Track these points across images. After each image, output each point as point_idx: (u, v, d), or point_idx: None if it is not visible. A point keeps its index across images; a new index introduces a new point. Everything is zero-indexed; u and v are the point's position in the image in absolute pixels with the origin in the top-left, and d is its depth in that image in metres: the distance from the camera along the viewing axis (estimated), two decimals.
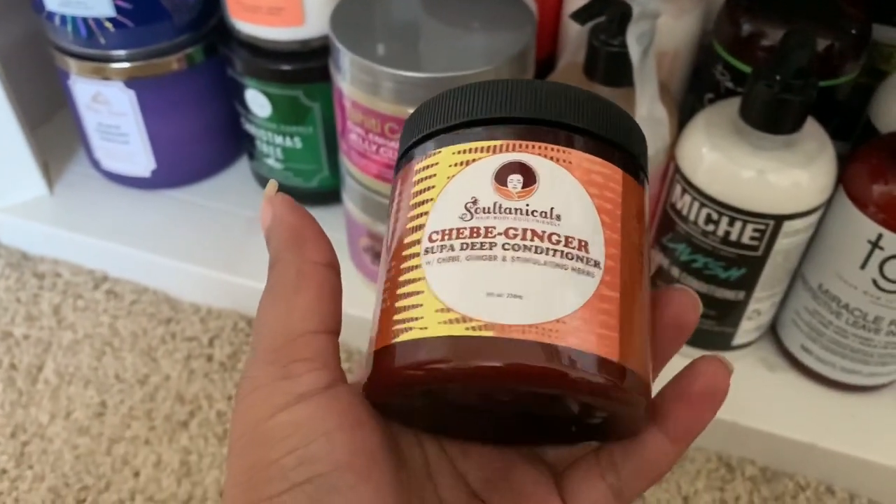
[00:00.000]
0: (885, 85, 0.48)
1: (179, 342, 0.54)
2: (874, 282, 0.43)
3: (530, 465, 0.26)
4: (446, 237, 0.22)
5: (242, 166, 0.62)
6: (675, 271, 0.47)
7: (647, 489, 0.25)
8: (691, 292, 0.24)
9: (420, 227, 0.23)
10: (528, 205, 0.22)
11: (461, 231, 0.22)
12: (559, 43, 0.53)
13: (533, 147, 0.22)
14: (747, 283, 0.45)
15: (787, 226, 0.42)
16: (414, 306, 0.22)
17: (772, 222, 0.42)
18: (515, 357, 0.21)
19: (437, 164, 0.23)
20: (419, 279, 0.22)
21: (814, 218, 0.43)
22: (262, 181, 0.59)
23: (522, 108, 0.23)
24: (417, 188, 0.23)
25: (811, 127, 0.42)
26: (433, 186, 0.23)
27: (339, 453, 0.21)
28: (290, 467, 0.21)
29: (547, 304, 0.21)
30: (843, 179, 0.43)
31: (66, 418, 0.50)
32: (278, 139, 0.54)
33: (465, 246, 0.22)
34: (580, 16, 0.42)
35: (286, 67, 0.50)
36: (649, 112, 0.43)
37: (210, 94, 0.57)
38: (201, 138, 0.59)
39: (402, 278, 0.22)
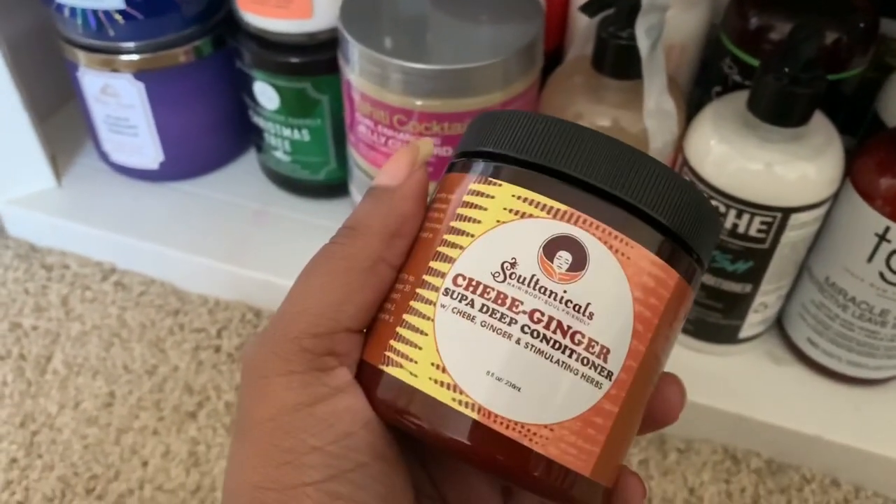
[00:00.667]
0: (892, 79, 0.48)
1: (187, 333, 0.54)
2: (881, 275, 0.43)
3: (484, 475, 0.26)
4: (470, 289, 0.21)
5: (250, 159, 0.62)
6: None
7: None
8: (681, 387, 0.24)
9: (450, 259, 0.21)
10: (565, 291, 0.20)
11: (487, 290, 0.20)
12: (567, 35, 0.53)
13: (596, 227, 0.20)
14: (754, 276, 0.45)
15: (795, 218, 0.42)
16: (413, 344, 0.21)
17: (779, 215, 0.42)
18: (489, 447, 0.20)
19: (492, 197, 0.21)
20: (428, 318, 0.21)
21: (821, 211, 0.43)
22: (270, 174, 0.60)
23: (602, 173, 0.21)
24: (463, 212, 0.22)
25: (819, 120, 0.42)
26: (479, 221, 0.21)
27: (379, 444, 0.21)
28: (335, 455, 0.21)
29: (542, 405, 0.20)
30: (851, 172, 0.43)
31: (74, 408, 0.50)
32: (286, 131, 0.55)
33: (485, 309, 0.20)
34: (589, 8, 0.42)
35: (294, 60, 0.51)
36: (657, 104, 0.43)
37: (218, 86, 0.57)
38: (209, 131, 0.59)
39: (412, 303, 0.21)
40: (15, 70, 0.54)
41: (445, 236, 0.22)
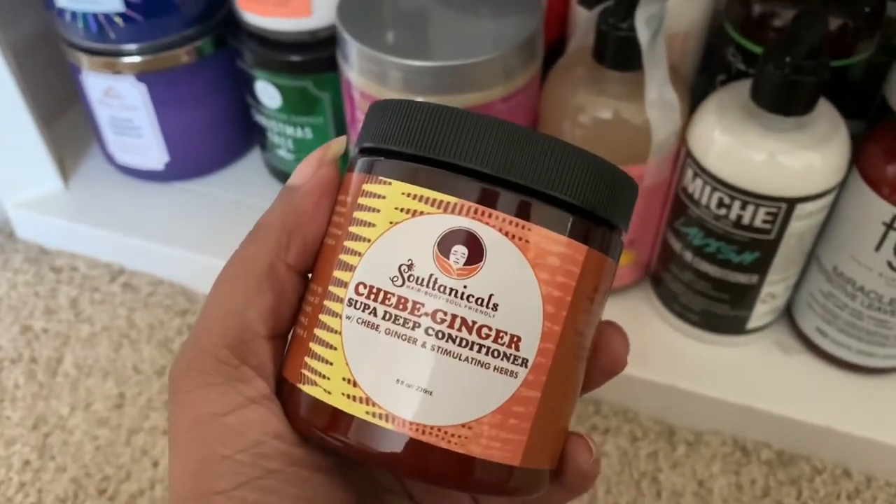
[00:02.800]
0: None
1: None
2: (889, 264, 0.42)
3: None
4: (372, 297, 0.20)
5: (255, 157, 0.62)
6: (688, 256, 0.46)
7: None
8: (623, 336, 0.24)
9: (350, 267, 0.21)
10: (465, 286, 0.20)
11: (388, 297, 0.20)
12: (568, 27, 0.52)
13: (489, 216, 0.20)
14: (761, 267, 0.45)
15: (800, 208, 0.42)
16: (325, 360, 0.21)
17: (784, 205, 0.41)
18: (411, 455, 0.20)
19: (384, 197, 0.21)
20: (336, 332, 0.20)
21: (827, 200, 0.43)
22: (275, 172, 0.60)
23: (491, 159, 0.20)
24: (358, 215, 0.21)
25: (824, 108, 0.42)
26: (374, 225, 0.21)
27: (291, 451, 0.21)
28: (245, 463, 0.21)
29: (457, 406, 0.20)
30: (857, 160, 0.43)
31: (85, 410, 0.51)
32: (289, 130, 0.54)
33: (387, 316, 0.20)
34: (588, 1, 0.42)
35: (295, 58, 0.50)
36: (660, 96, 0.43)
37: (220, 85, 0.57)
38: (213, 130, 0.59)
39: (322, 317, 0.21)
40: (20, 74, 0.54)
41: (345, 243, 0.21)
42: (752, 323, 0.49)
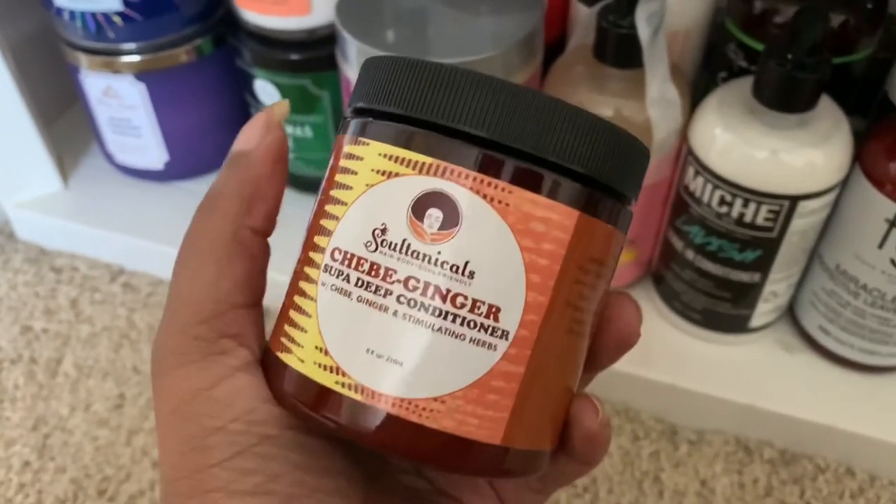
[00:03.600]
0: None
1: None
2: (892, 261, 0.42)
3: None
4: (346, 262, 0.19)
5: None
6: (690, 254, 0.46)
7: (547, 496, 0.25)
8: (635, 305, 0.22)
9: (328, 232, 0.20)
10: (439, 252, 0.18)
11: (361, 262, 0.19)
12: (568, 25, 0.52)
13: (466, 177, 0.18)
14: (763, 265, 0.44)
15: (803, 206, 0.41)
16: (300, 328, 0.20)
17: (786, 203, 0.41)
18: (380, 429, 0.19)
19: (362, 159, 0.20)
20: (312, 299, 0.20)
21: (829, 198, 0.42)
22: None
23: (467, 115, 0.19)
24: (339, 178, 0.20)
25: (826, 105, 0.42)
26: (351, 188, 0.20)
27: (286, 416, 0.21)
28: (238, 432, 0.20)
29: (428, 378, 0.19)
30: (860, 157, 0.42)
31: (85, 410, 0.50)
32: (288, 129, 0.54)
33: (360, 283, 0.19)
34: None
35: (294, 57, 0.50)
36: (660, 93, 0.42)
37: (220, 85, 0.57)
38: (213, 129, 0.59)
39: (300, 284, 0.20)
40: (19, 74, 0.54)
41: (326, 207, 0.20)
42: (755, 321, 0.48)
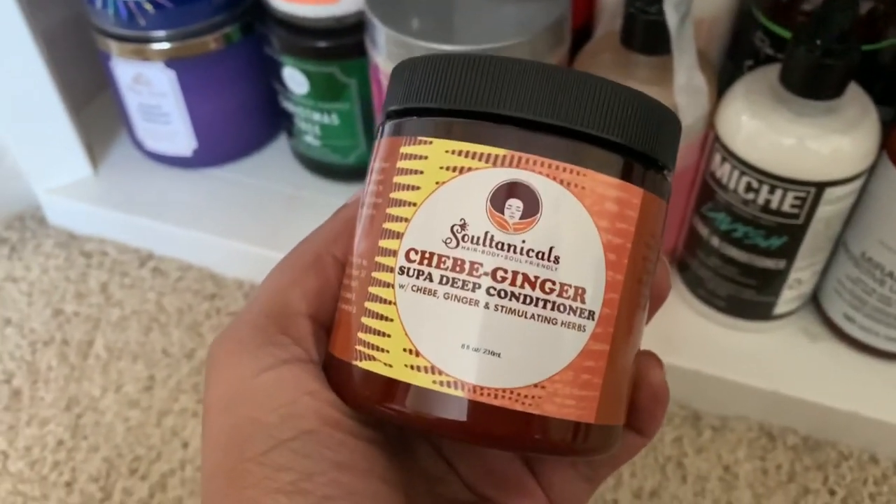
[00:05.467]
0: None
1: (224, 317, 0.55)
2: None
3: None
4: (425, 262, 0.19)
5: (282, 143, 0.63)
6: (715, 241, 0.46)
7: (614, 471, 0.25)
8: (664, 261, 0.23)
9: (398, 234, 0.20)
10: (524, 241, 0.19)
11: (442, 260, 0.19)
12: (595, 11, 0.52)
13: (542, 165, 0.19)
14: (788, 252, 0.45)
15: (829, 193, 0.41)
16: (380, 333, 0.20)
17: (813, 190, 0.41)
18: (483, 421, 0.19)
19: (426, 157, 0.20)
20: (390, 302, 0.20)
21: (856, 185, 0.42)
22: (302, 158, 0.60)
23: (536, 105, 0.19)
24: (400, 180, 0.20)
25: (853, 92, 0.42)
26: (418, 188, 0.20)
27: (327, 411, 0.20)
28: (275, 425, 0.20)
29: (527, 365, 0.19)
30: (887, 145, 0.42)
31: (116, 392, 0.51)
32: (316, 116, 0.55)
33: (444, 280, 0.19)
34: None
35: (322, 44, 0.51)
36: (688, 80, 0.42)
37: (248, 72, 0.57)
38: (241, 116, 0.60)
39: (371, 290, 0.20)
40: (51, 61, 0.55)
41: (388, 210, 0.20)
42: (779, 309, 0.48)
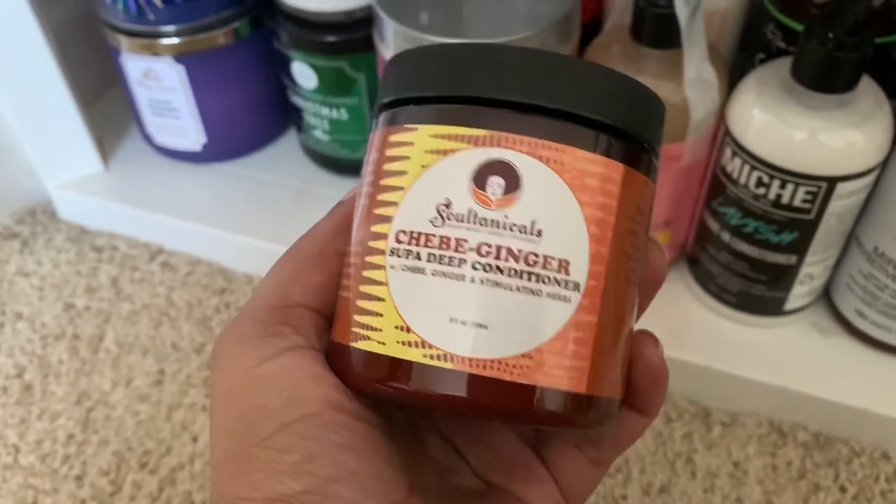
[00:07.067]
0: None
1: (233, 312, 0.55)
2: None
3: (508, 432, 0.26)
4: (413, 242, 0.20)
5: (291, 138, 0.63)
6: (726, 236, 0.46)
7: (622, 453, 0.26)
8: (660, 247, 0.24)
9: (388, 218, 0.21)
10: (506, 216, 0.20)
11: (430, 238, 0.20)
12: (605, 5, 0.52)
13: (521, 143, 0.20)
14: (799, 247, 0.44)
15: (841, 188, 0.41)
16: (374, 313, 0.20)
17: (825, 184, 0.41)
18: (474, 392, 0.19)
19: (412, 143, 0.21)
20: (382, 283, 0.20)
21: (869, 179, 0.42)
22: (310, 153, 0.60)
23: (515, 85, 0.20)
24: (389, 167, 0.21)
25: (866, 85, 0.41)
26: (405, 172, 0.21)
27: (329, 394, 0.21)
28: (277, 409, 0.20)
29: (514, 336, 0.19)
30: None
31: (126, 386, 0.52)
32: (325, 111, 0.55)
33: (432, 257, 0.20)
34: None
35: (331, 39, 0.51)
36: (698, 74, 0.42)
37: (257, 67, 0.57)
38: (250, 111, 0.60)
39: (365, 273, 0.21)
40: (61, 57, 0.55)
41: (379, 197, 0.21)
42: (790, 304, 0.48)
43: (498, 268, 0.19)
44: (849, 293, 0.48)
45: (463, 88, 0.20)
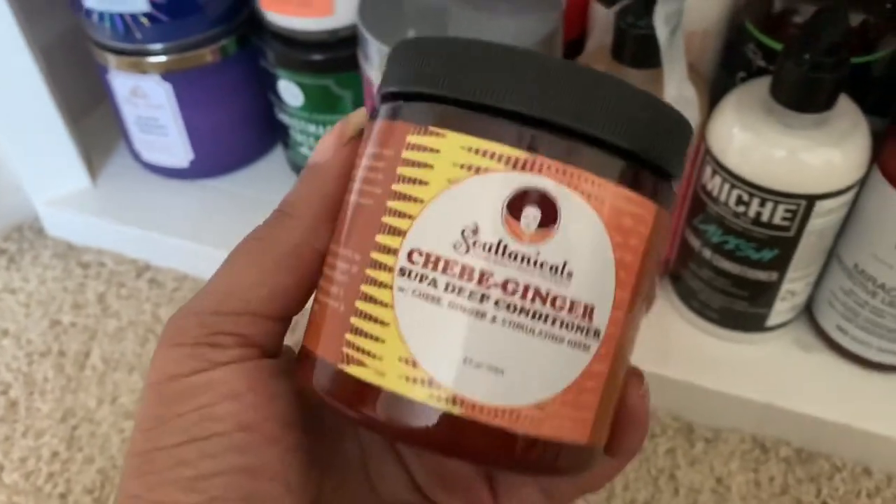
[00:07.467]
0: None
1: None
2: None
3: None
4: (430, 265, 0.18)
5: (278, 155, 0.63)
6: (707, 253, 0.46)
7: (581, 495, 0.24)
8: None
9: (399, 231, 0.18)
10: (539, 253, 0.18)
11: (450, 265, 0.18)
12: (589, 25, 0.53)
13: (563, 173, 0.18)
14: (780, 264, 0.45)
15: (820, 206, 0.42)
16: (374, 338, 0.18)
17: (804, 202, 0.41)
18: (479, 441, 0.18)
19: (437, 151, 0.18)
20: (386, 305, 0.18)
21: (847, 197, 0.42)
22: (297, 169, 0.60)
23: (563, 106, 0.18)
24: (405, 172, 0.19)
25: (844, 104, 0.42)
26: (427, 183, 0.18)
27: (245, 416, 0.20)
28: (192, 422, 0.20)
29: (529, 384, 0.18)
30: (879, 157, 0.42)
31: (112, 403, 0.52)
32: (311, 128, 0.55)
33: (451, 287, 0.18)
34: None
35: (317, 57, 0.51)
36: (678, 93, 0.43)
37: (244, 84, 0.58)
38: (237, 128, 0.60)
39: (365, 288, 0.19)
40: (49, 74, 0.56)
41: (390, 203, 0.19)
42: (772, 320, 0.48)
43: (523, 309, 0.18)
44: (830, 309, 0.48)
45: (506, 99, 0.18)
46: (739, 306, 0.48)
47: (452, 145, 0.18)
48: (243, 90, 0.58)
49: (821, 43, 0.38)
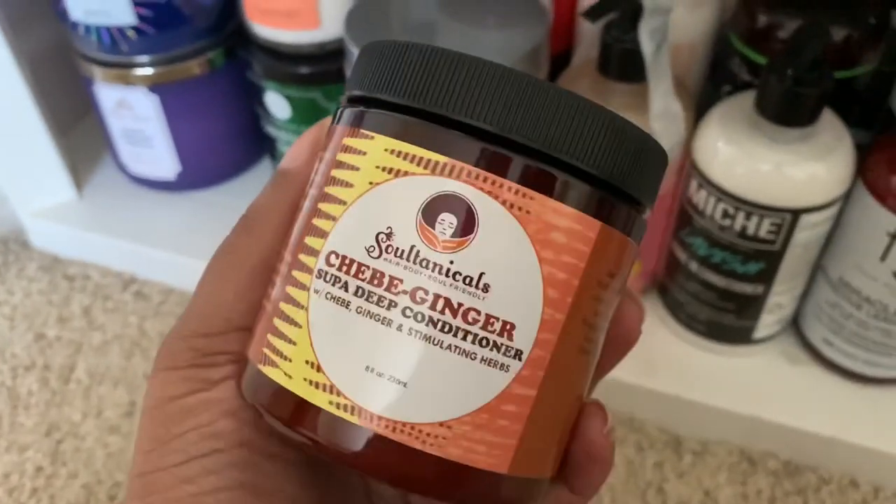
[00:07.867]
0: None
1: None
2: (894, 274, 0.42)
3: None
4: (344, 269, 0.17)
5: (265, 167, 0.63)
6: (694, 266, 0.46)
7: None
8: (637, 304, 0.21)
9: (323, 233, 0.18)
10: (452, 262, 0.17)
11: (362, 269, 0.17)
12: (575, 39, 0.53)
13: (484, 180, 0.17)
14: (766, 277, 0.45)
15: (805, 219, 0.42)
16: (287, 339, 0.18)
17: (789, 216, 0.42)
18: (376, 455, 0.17)
19: (364, 153, 0.18)
20: (302, 307, 0.18)
21: (832, 211, 0.43)
22: None
23: (491, 112, 0.17)
24: (336, 173, 0.18)
25: (828, 118, 0.42)
26: (351, 185, 0.18)
27: (244, 432, 0.21)
28: (192, 442, 0.21)
29: (435, 401, 0.17)
30: (863, 171, 0.43)
31: (97, 417, 0.51)
32: None
33: (360, 292, 0.17)
34: (592, 14, 0.42)
35: (304, 70, 0.51)
36: (664, 107, 0.43)
37: (231, 97, 0.58)
38: (224, 140, 0.60)
39: (288, 289, 0.19)
40: (35, 86, 0.55)
41: (320, 205, 0.18)
42: (759, 333, 0.49)
43: (431, 319, 0.17)
44: (816, 322, 0.48)
45: (433, 103, 0.17)
46: (726, 319, 0.48)
47: (378, 147, 0.18)
48: (230, 102, 0.58)
49: (804, 58, 0.38)
